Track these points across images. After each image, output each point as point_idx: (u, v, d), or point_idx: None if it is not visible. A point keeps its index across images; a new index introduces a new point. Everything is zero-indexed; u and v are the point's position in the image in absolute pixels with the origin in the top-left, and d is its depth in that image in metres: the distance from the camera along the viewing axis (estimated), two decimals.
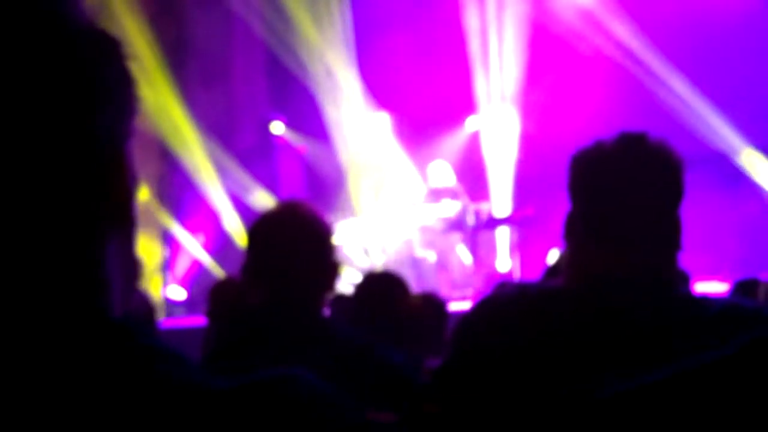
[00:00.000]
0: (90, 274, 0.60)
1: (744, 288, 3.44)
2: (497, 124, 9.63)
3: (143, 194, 9.36)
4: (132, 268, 0.67)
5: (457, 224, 8.48)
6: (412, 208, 8.81)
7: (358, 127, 9.94)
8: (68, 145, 0.58)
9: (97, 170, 0.60)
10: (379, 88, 9.85)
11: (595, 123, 7.65)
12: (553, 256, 3.06)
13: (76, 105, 0.58)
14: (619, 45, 8.93)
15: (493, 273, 8.62)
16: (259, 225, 1.77)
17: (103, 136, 0.61)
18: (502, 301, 1.44)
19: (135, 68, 0.64)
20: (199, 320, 6.11)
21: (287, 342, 1.65)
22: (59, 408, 0.53)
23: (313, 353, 1.52)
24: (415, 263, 8.50)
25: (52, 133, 0.57)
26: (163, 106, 9.29)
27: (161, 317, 8.49)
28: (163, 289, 9.54)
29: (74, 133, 0.58)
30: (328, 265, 1.75)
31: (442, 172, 8.65)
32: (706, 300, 1.32)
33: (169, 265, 9.77)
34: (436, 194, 8.57)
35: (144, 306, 3.23)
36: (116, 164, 0.63)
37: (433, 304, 3.20)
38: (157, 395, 0.55)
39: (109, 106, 0.61)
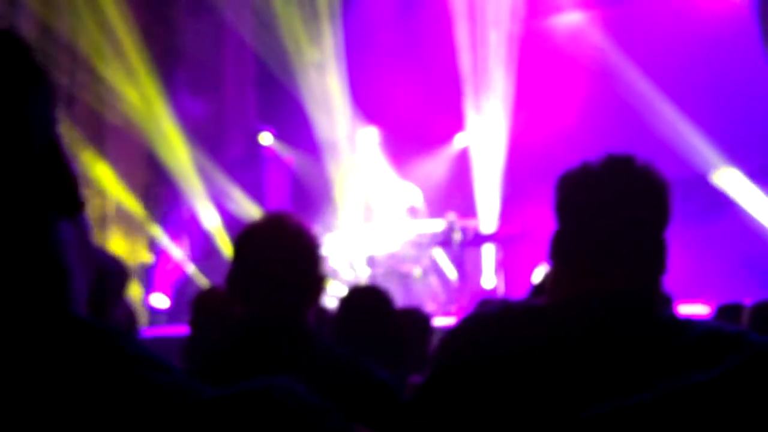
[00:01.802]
0: (51, 267, 0.60)
1: (727, 312, 3.46)
2: (485, 141, 9.66)
3: (130, 202, 9.33)
4: (90, 253, 0.66)
5: (443, 240, 8.50)
6: (399, 223, 8.82)
7: (346, 141, 9.95)
8: (3, 140, 0.58)
9: (38, 159, 0.60)
10: (368, 103, 9.88)
11: (583, 143, 7.69)
12: (538, 274, 3.08)
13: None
14: (608, 63, 9.00)
15: (478, 290, 8.64)
16: (246, 236, 1.76)
17: (36, 126, 0.61)
18: (486, 319, 1.44)
19: (41, 60, 0.65)
20: (182, 329, 6.08)
21: (271, 354, 1.65)
22: (14, 413, 0.53)
23: (296, 366, 1.51)
24: (401, 278, 8.50)
25: None
26: (151, 114, 9.27)
27: (143, 325, 8.44)
28: (146, 296, 9.49)
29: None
30: (314, 277, 1.74)
31: (410, 194, 8.79)
32: (688, 323, 1.33)
33: (154, 273, 9.72)
34: (402, 213, 8.71)
35: (126, 313, 3.21)
36: (54, 151, 0.63)
37: (417, 319, 3.20)
38: (132, 401, 0.55)
39: (34, 97, 0.61)
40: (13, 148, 0.58)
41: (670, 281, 1.47)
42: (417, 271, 8.56)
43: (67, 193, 0.63)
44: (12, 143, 0.58)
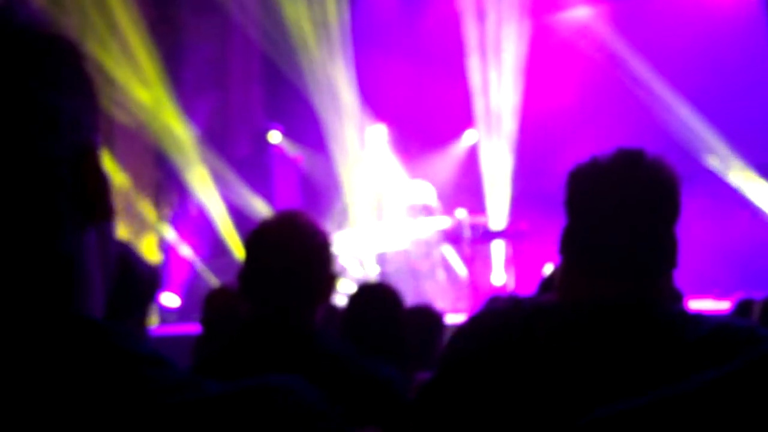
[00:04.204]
0: (64, 269, 0.59)
1: (741, 308, 3.43)
2: (494, 137, 9.65)
3: (139, 201, 9.36)
4: (111, 260, 0.66)
5: (452, 237, 8.49)
6: (408, 220, 8.81)
7: (355, 138, 9.95)
8: (28, 141, 0.57)
9: (65, 164, 0.60)
10: (377, 100, 9.87)
11: (593, 138, 7.67)
12: (547, 270, 3.06)
13: (32, 102, 0.58)
14: (617, 59, 8.97)
15: (488, 286, 8.62)
16: (257, 234, 1.76)
17: (67, 130, 0.61)
18: (495, 317, 1.43)
19: (90, 66, 0.64)
20: (192, 328, 6.09)
21: (279, 353, 1.64)
22: (20, 414, 0.53)
23: (302, 365, 1.51)
24: (410, 275, 8.49)
25: (10, 130, 0.57)
26: (159, 113, 9.29)
27: (153, 324, 8.47)
28: (157, 295, 9.51)
29: (33, 130, 0.58)
30: (325, 276, 1.74)
31: (423, 191, 8.78)
32: (699, 318, 1.31)
33: (164, 271, 9.75)
34: (416, 210, 8.69)
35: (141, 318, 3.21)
36: (86, 158, 0.63)
37: (428, 316, 3.19)
38: (135, 399, 0.54)
39: (69, 102, 0.61)
40: (40, 149, 0.58)
41: (680, 276, 1.46)
42: (426, 268, 8.55)
43: (95, 199, 0.62)
44: (40, 145, 0.58)
